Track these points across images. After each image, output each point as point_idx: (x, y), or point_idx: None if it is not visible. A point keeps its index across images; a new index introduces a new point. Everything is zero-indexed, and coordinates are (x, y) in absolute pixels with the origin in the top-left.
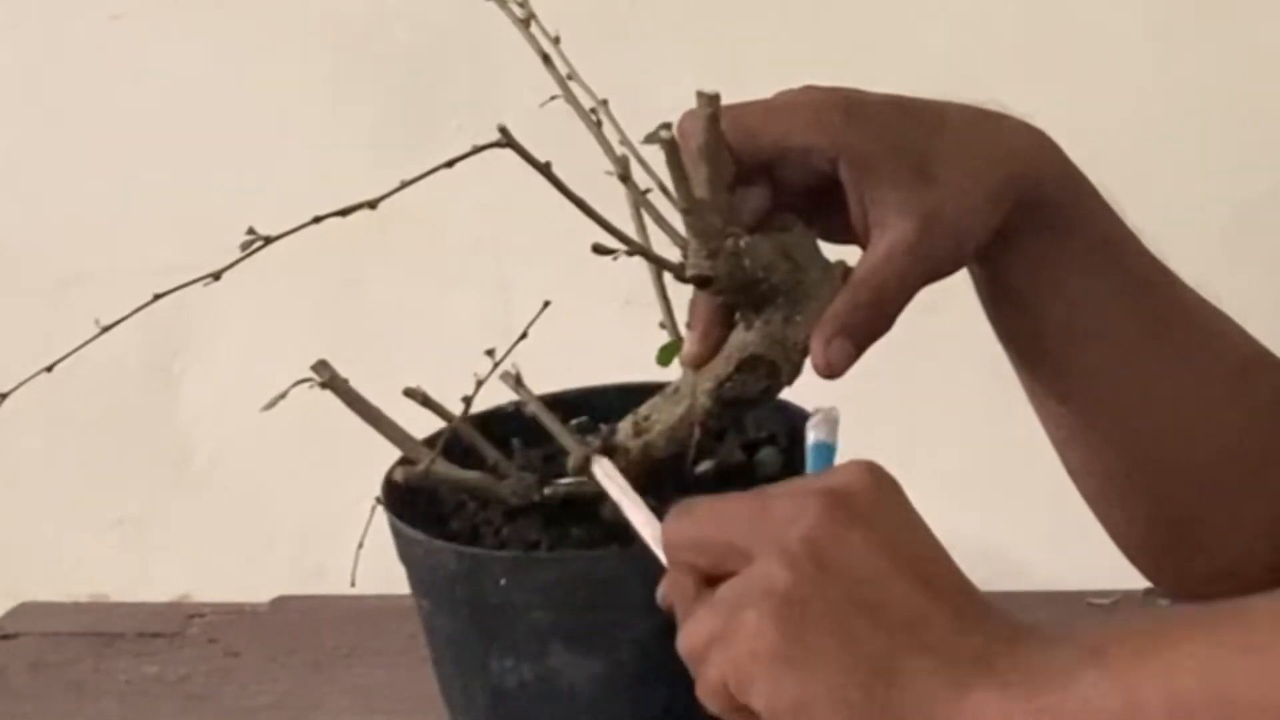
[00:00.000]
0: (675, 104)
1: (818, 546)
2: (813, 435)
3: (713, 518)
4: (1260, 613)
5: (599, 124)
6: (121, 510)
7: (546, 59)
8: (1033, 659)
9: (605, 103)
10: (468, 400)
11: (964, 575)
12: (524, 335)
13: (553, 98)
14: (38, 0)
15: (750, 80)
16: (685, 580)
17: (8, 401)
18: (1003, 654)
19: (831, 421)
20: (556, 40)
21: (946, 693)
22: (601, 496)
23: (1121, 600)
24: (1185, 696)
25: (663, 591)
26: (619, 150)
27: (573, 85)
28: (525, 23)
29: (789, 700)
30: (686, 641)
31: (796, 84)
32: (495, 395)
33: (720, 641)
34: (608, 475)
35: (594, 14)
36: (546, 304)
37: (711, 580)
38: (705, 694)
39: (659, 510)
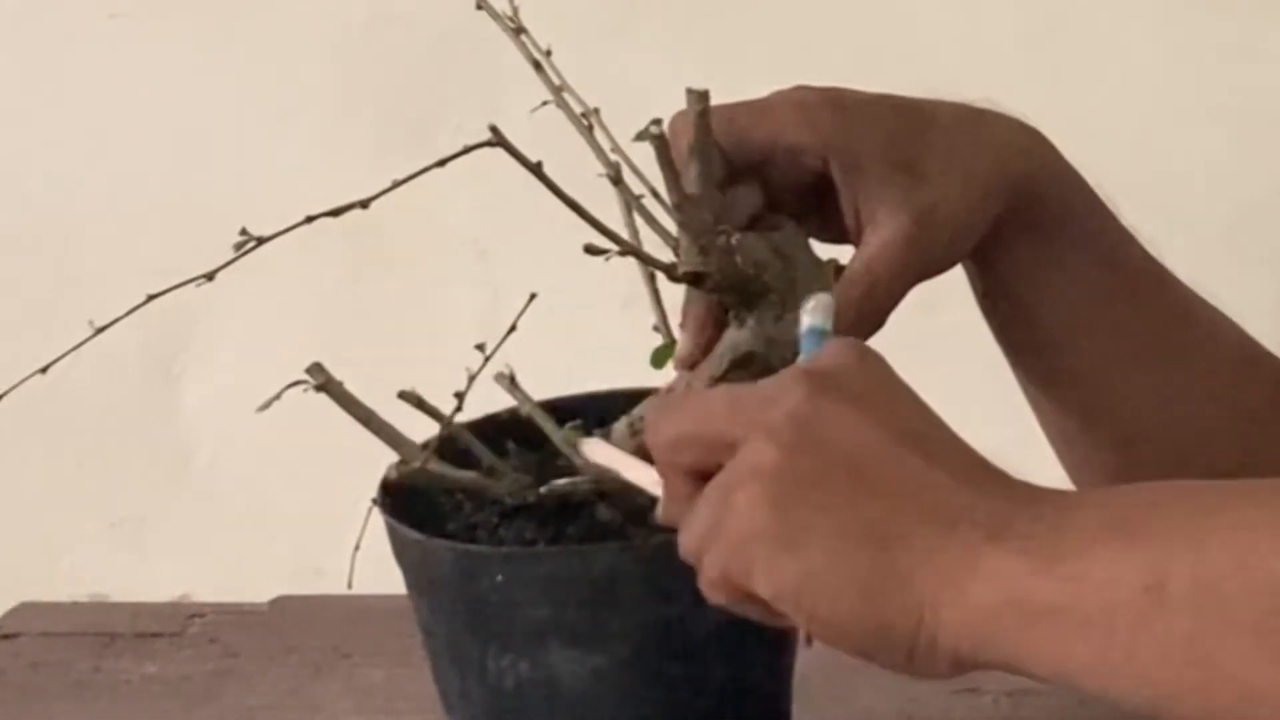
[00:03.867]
0: (669, 110)
1: (804, 421)
2: (806, 320)
3: (692, 412)
4: None
5: (590, 128)
6: (121, 510)
7: (538, 66)
8: (1052, 523)
9: (597, 111)
10: (460, 395)
11: (964, 442)
12: (513, 328)
13: (544, 103)
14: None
15: (746, 85)
16: (676, 481)
17: (8, 402)
18: (1018, 516)
19: (825, 306)
20: (548, 53)
21: (959, 555)
22: (597, 496)
23: None
24: (1215, 571)
25: (663, 502)
26: (612, 158)
27: (566, 92)
28: (517, 32)
29: (790, 581)
30: (686, 542)
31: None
32: (493, 402)
33: (715, 533)
34: (595, 451)
35: (589, 18)
36: (533, 296)
37: (704, 477)
38: (708, 588)
39: None
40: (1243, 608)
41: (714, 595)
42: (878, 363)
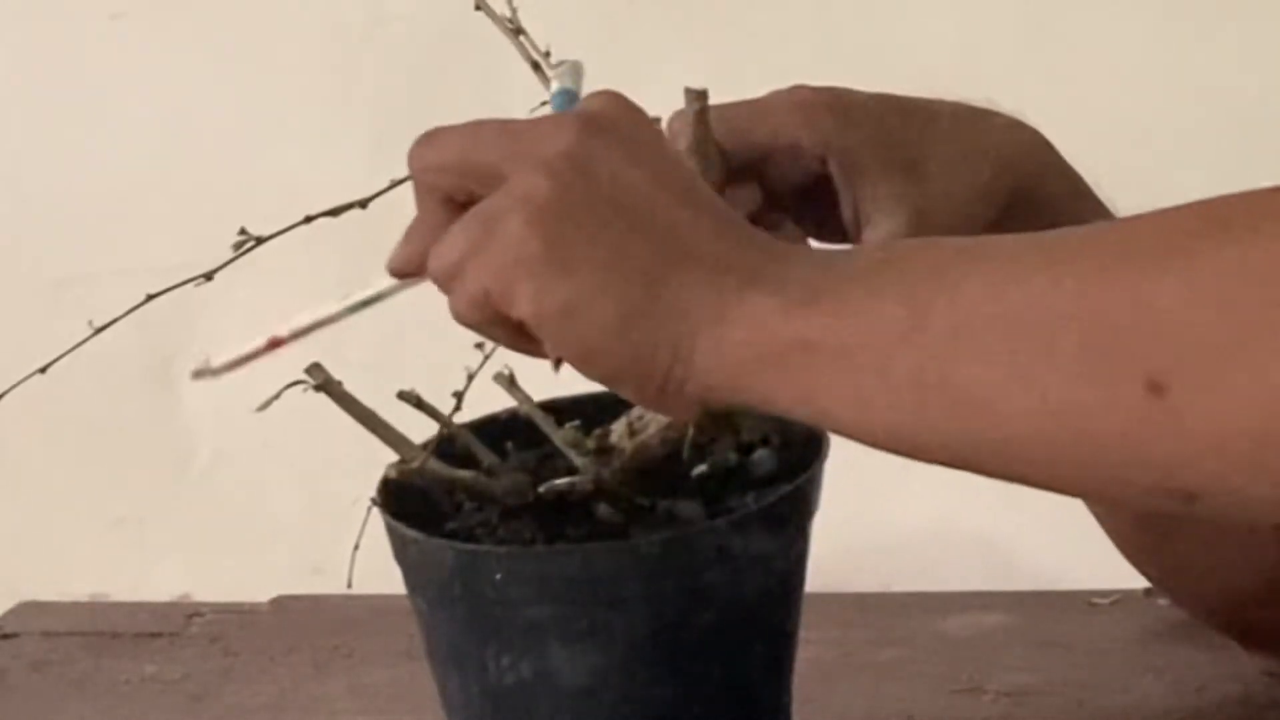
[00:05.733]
0: (668, 110)
1: (578, 159)
2: (556, 83)
3: (461, 141)
4: (1067, 238)
5: None
6: (121, 510)
7: (536, 67)
8: (810, 271)
9: None
10: (459, 395)
11: (724, 202)
12: None
13: (543, 103)
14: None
15: (745, 85)
16: (433, 204)
17: (8, 401)
18: (778, 264)
19: (576, 70)
20: (547, 54)
21: (717, 298)
22: (596, 495)
23: (1121, 599)
24: (973, 307)
25: (397, 249)
26: None
27: None
28: (516, 33)
29: (555, 304)
30: (438, 259)
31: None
32: (492, 402)
33: (479, 253)
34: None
35: (588, 18)
36: None
37: (459, 207)
38: (463, 307)
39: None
40: (994, 337)
41: (468, 315)
42: (644, 115)
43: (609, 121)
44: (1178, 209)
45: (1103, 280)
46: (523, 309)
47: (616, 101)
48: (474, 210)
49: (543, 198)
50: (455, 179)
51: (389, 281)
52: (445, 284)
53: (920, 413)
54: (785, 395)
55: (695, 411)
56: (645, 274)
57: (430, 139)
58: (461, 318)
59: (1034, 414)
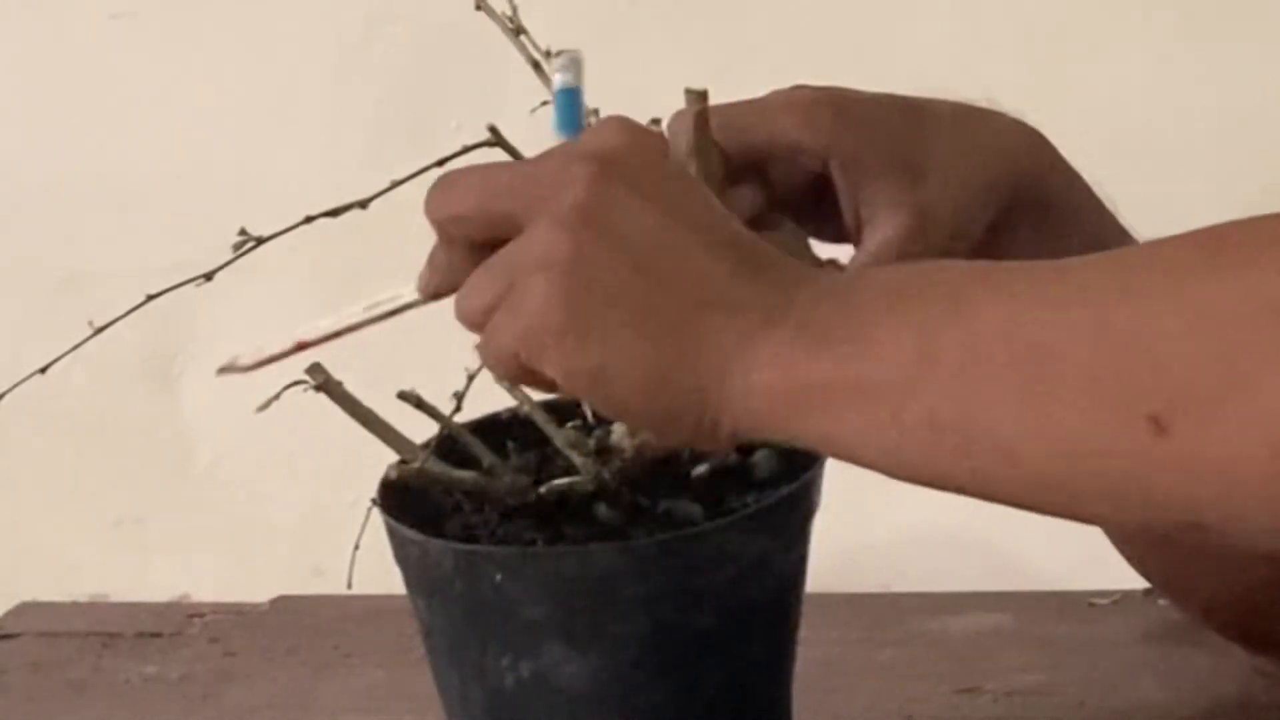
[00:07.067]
0: (668, 110)
1: (592, 212)
2: (558, 79)
3: (477, 188)
4: (1071, 270)
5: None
6: (121, 510)
7: (537, 66)
8: (826, 306)
9: (596, 111)
10: (459, 395)
11: (741, 229)
12: None
13: (543, 103)
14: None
15: (746, 85)
16: (454, 252)
17: (9, 401)
18: (794, 301)
19: (576, 63)
20: (548, 54)
21: (738, 342)
22: (596, 496)
23: (1121, 599)
24: (982, 344)
25: (425, 273)
26: None
27: None
28: (516, 32)
29: (584, 370)
30: (465, 307)
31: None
32: (493, 402)
33: (506, 310)
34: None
35: (589, 18)
36: None
37: (481, 248)
38: (493, 362)
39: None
40: (1006, 375)
41: (498, 369)
42: (654, 145)
43: (620, 161)
44: (1180, 238)
45: (1106, 316)
46: (553, 373)
47: (624, 134)
48: (497, 259)
49: (561, 260)
50: (475, 228)
51: (413, 296)
52: (473, 329)
53: (936, 454)
54: (811, 435)
55: (729, 447)
56: (667, 327)
57: (446, 186)
58: (493, 369)
59: (1046, 454)
